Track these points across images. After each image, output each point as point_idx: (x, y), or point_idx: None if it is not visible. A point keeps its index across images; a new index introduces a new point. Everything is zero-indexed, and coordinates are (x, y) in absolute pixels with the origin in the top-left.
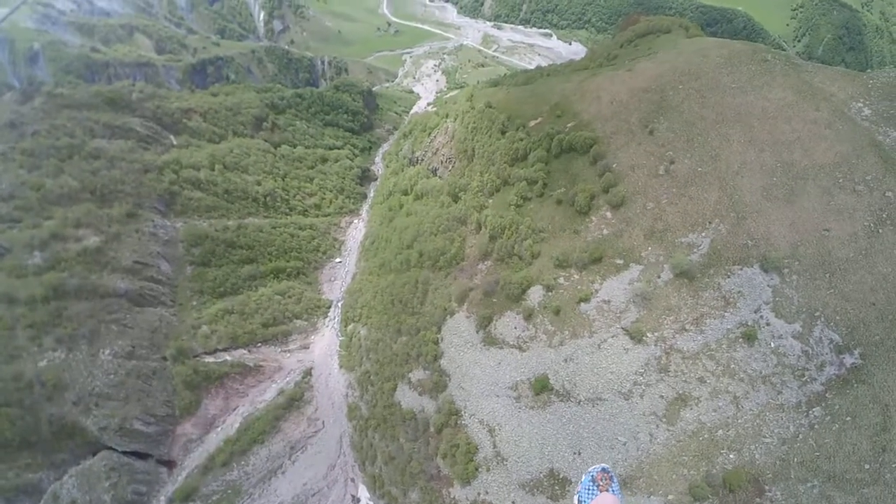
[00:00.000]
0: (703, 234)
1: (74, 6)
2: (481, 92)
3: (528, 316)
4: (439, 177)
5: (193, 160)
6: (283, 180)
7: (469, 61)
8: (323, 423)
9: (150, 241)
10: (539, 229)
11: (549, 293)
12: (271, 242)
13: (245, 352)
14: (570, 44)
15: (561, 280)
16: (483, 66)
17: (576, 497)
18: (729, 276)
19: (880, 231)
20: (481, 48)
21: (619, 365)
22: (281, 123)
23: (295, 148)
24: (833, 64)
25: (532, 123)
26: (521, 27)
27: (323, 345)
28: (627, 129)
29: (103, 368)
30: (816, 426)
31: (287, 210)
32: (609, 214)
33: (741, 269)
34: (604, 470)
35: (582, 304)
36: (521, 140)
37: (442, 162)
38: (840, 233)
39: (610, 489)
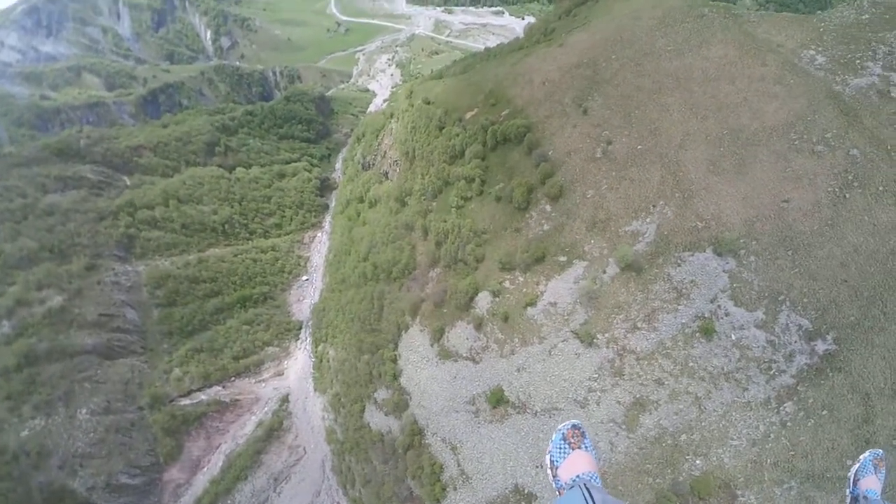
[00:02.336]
0: (648, 219)
1: (19, 56)
2: (420, 87)
3: (479, 325)
4: (391, 181)
5: (147, 199)
6: (240, 205)
7: (422, 51)
8: (304, 449)
9: (113, 291)
10: (481, 231)
11: (497, 299)
12: (234, 271)
13: (220, 388)
14: (523, 18)
15: (507, 284)
16: (437, 53)
17: (547, 457)
18: (679, 265)
19: (847, 196)
20: (434, 35)
21: (572, 371)
22: (234, 145)
23: (250, 169)
24: (793, 8)
25: (468, 116)
26: (472, 8)
27: (297, 368)
28: (561, 111)
29: (82, 428)
30: (789, 423)
31: (247, 235)
32: (548, 208)
33: (692, 256)
34: (574, 426)
35: (529, 308)
36: (458, 135)
37: (390, 165)
38: (801, 203)
39: (582, 446)
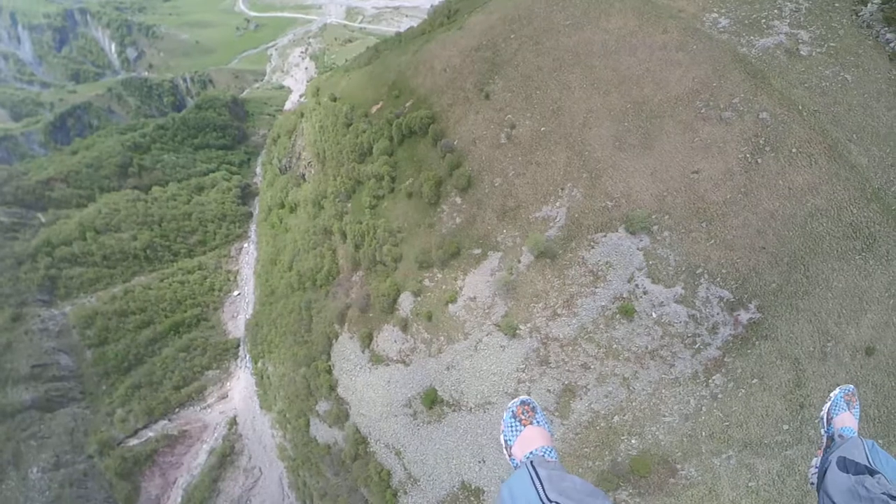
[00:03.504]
0: (558, 203)
1: None
2: (327, 83)
3: (404, 327)
4: (308, 183)
5: (64, 235)
6: (160, 226)
7: (335, 40)
8: (259, 469)
9: (43, 339)
10: (396, 230)
11: (418, 298)
12: (163, 297)
13: (166, 422)
14: None
15: (426, 282)
16: (350, 41)
17: (501, 437)
18: (593, 247)
19: (759, 161)
20: (346, 23)
21: (499, 364)
22: (147, 163)
23: (166, 186)
24: None
25: (374, 110)
26: None
27: (241, 388)
28: (464, 98)
29: (37, 488)
30: (720, 395)
31: (171, 257)
32: (459, 200)
33: (605, 237)
34: (523, 402)
35: (450, 305)
36: (364, 132)
37: (305, 167)
38: (712, 172)
39: (534, 421)
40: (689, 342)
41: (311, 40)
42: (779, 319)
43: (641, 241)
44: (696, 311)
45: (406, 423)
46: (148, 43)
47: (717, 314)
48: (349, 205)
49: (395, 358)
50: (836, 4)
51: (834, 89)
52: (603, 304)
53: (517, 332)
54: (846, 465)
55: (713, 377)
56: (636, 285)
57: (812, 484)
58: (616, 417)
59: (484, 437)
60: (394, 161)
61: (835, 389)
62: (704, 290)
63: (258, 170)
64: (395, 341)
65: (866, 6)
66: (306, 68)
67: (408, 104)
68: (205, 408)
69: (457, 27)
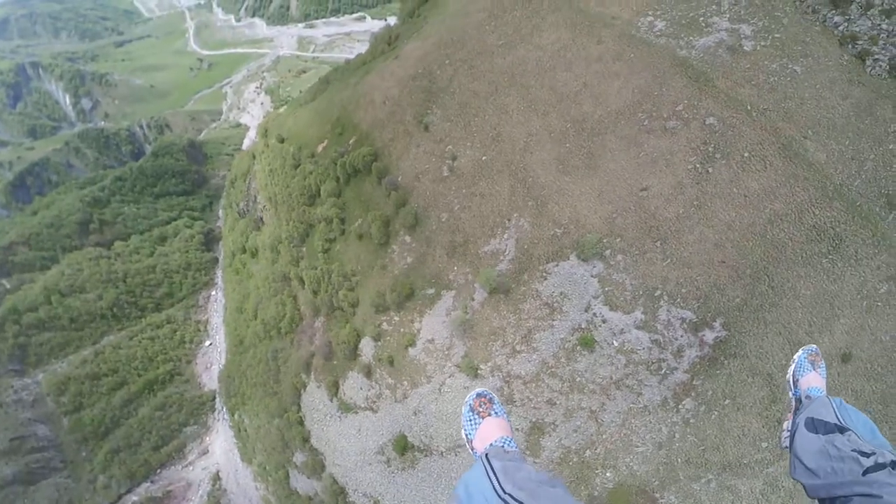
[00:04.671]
0: (505, 236)
1: None
2: (274, 123)
3: (368, 373)
4: (267, 226)
5: (30, 301)
6: (125, 282)
7: (289, 72)
8: None
9: (18, 410)
10: (350, 273)
11: (379, 343)
12: (133, 356)
13: (149, 484)
14: (386, 20)
15: (384, 326)
16: (304, 71)
17: (462, 432)
18: (546, 278)
19: (710, 170)
20: (299, 53)
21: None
22: (108, 217)
23: (128, 240)
24: None
25: (320, 148)
26: (333, 19)
27: (220, 442)
28: (404, 131)
29: None
30: (692, 420)
31: (139, 313)
32: (408, 238)
33: (557, 266)
34: (479, 395)
35: (410, 349)
36: (311, 173)
37: (262, 210)
38: (661, 188)
39: (492, 412)
40: (655, 368)
41: (265, 74)
42: (746, 335)
43: (595, 267)
44: (658, 335)
45: (381, 470)
46: (102, 91)
47: (681, 336)
48: (304, 249)
49: (362, 405)
50: None
51: (783, 84)
52: (562, 336)
53: (478, 372)
54: (815, 426)
55: (683, 402)
56: (594, 314)
57: (785, 447)
58: (588, 451)
59: (458, 480)
60: (342, 202)
61: (797, 351)
62: (665, 313)
63: (221, 213)
64: (361, 388)
65: None
66: (262, 103)
67: (351, 141)
68: (186, 465)
69: (393, 56)
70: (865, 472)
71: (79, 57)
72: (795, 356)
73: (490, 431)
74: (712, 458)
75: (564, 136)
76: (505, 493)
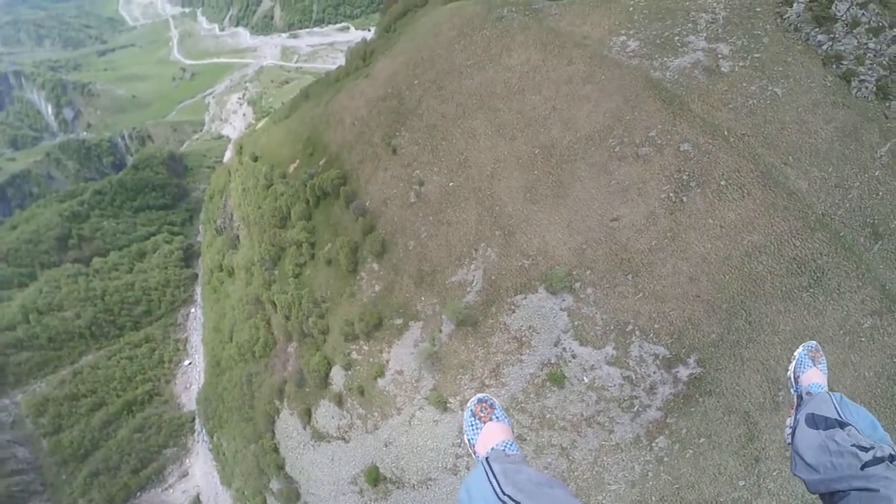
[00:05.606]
0: (473, 266)
1: None
2: (249, 139)
3: (339, 402)
4: (243, 247)
5: (7, 319)
6: (103, 300)
7: (272, 82)
8: None
9: None
10: (321, 300)
11: (349, 373)
12: (112, 376)
13: None
14: (370, 30)
15: (354, 355)
16: (287, 82)
17: (465, 437)
18: (514, 311)
19: (684, 199)
20: (282, 64)
21: (434, 440)
22: (87, 233)
23: (107, 256)
24: None
25: (291, 169)
26: (316, 29)
27: (200, 464)
28: (373, 154)
29: None
30: (666, 458)
31: (117, 331)
32: (376, 266)
33: (525, 299)
34: (480, 400)
35: (379, 379)
36: (283, 194)
37: (238, 228)
38: (633, 218)
39: (493, 417)
40: (627, 405)
41: (247, 85)
42: (722, 372)
43: (564, 300)
44: (630, 371)
45: (355, 500)
46: (84, 101)
47: (654, 373)
48: (276, 272)
49: (335, 435)
50: (758, 9)
51: (763, 107)
52: (531, 371)
53: (447, 405)
54: (815, 422)
55: (657, 440)
56: (563, 349)
57: (789, 444)
58: None
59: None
60: (311, 226)
61: (798, 348)
62: (637, 349)
63: (200, 227)
64: (333, 417)
65: (791, 6)
66: (244, 114)
67: (321, 162)
68: (166, 488)
69: (364, 74)
70: (864, 467)
71: (61, 66)
72: (796, 353)
73: (492, 436)
74: (688, 496)
75: (532, 163)
76: (504, 494)
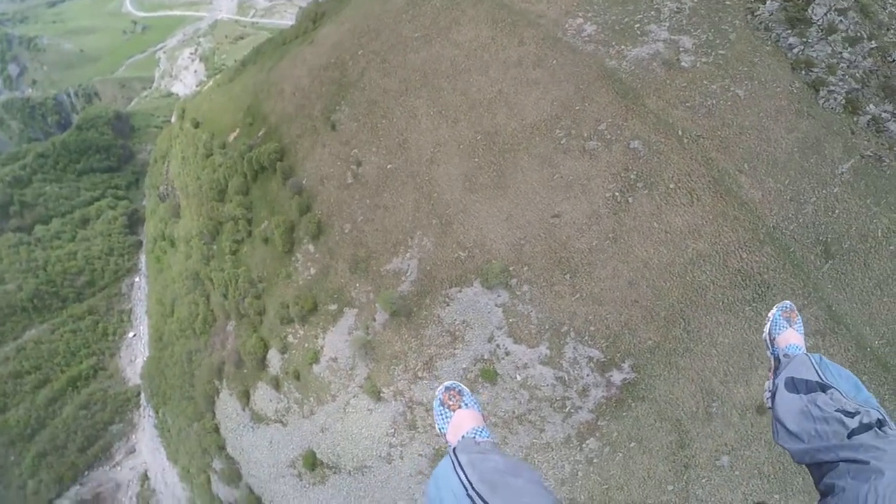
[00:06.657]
0: (408, 255)
1: None
2: (192, 104)
3: (276, 385)
4: (183, 217)
5: None
6: (45, 271)
7: (226, 38)
8: None
9: None
10: (257, 279)
11: (285, 356)
12: (56, 351)
13: (78, 487)
14: None
15: (290, 338)
16: (242, 38)
17: (436, 427)
18: (448, 304)
19: (630, 200)
20: (238, 18)
21: (369, 428)
22: (29, 199)
23: (49, 223)
24: None
25: (231, 138)
26: None
27: (147, 440)
28: (312, 128)
29: None
30: (595, 459)
31: (60, 304)
32: (312, 248)
33: (460, 292)
34: (448, 388)
35: (314, 365)
36: (221, 166)
37: (178, 198)
38: (575, 215)
39: (462, 404)
40: (559, 406)
41: (200, 39)
42: (657, 379)
43: (499, 296)
44: (563, 372)
45: (294, 484)
46: (30, 57)
47: (588, 375)
48: (214, 248)
49: (273, 418)
50: (728, 3)
51: (722, 108)
52: (464, 366)
53: (381, 395)
54: (795, 385)
55: (587, 441)
56: (497, 346)
57: (769, 408)
58: None
59: (367, 499)
60: (249, 201)
61: (772, 309)
62: (571, 350)
63: (146, 191)
64: (271, 400)
65: (765, 4)
66: (195, 71)
67: (260, 133)
68: (114, 466)
69: (309, 40)
70: (850, 435)
71: (8, 19)
72: (770, 314)
73: (462, 423)
74: (616, 496)
75: (474, 150)
76: (473, 489)
